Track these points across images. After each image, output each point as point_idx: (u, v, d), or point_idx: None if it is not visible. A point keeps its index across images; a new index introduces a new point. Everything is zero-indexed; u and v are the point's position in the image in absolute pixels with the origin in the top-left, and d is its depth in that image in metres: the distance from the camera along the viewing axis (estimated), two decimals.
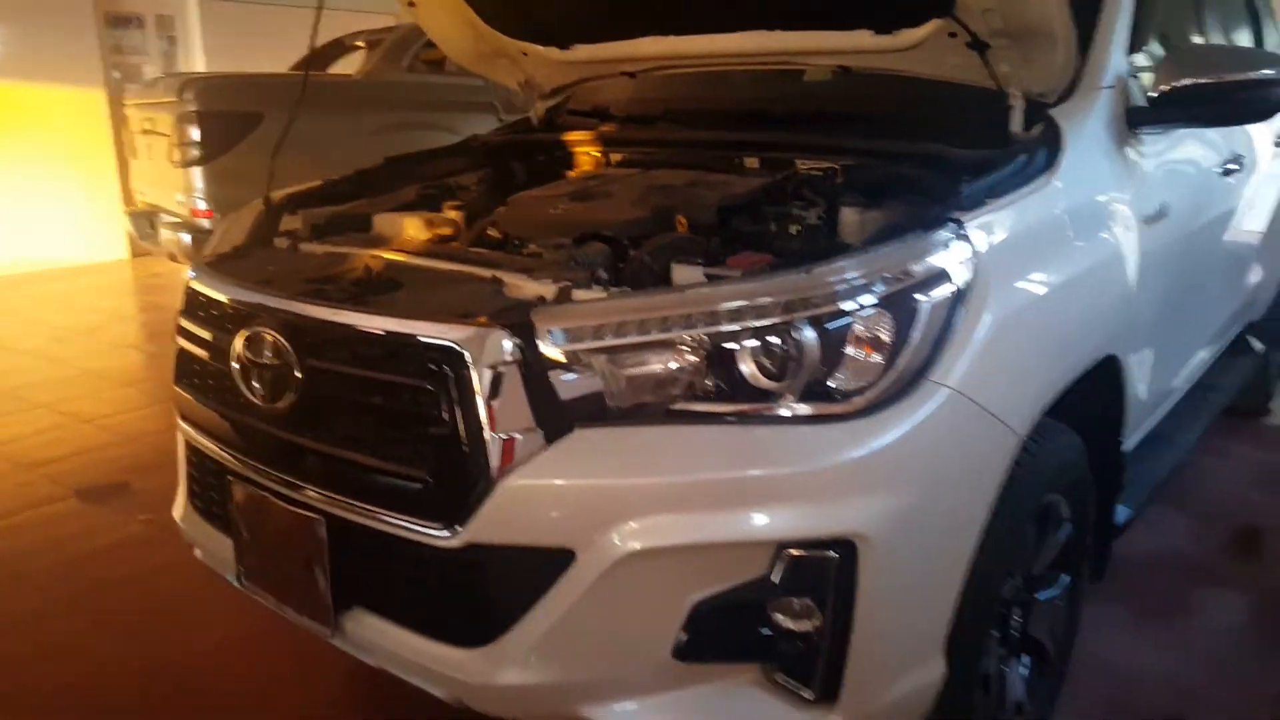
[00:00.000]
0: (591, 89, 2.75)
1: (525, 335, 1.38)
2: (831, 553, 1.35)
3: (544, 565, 1.38)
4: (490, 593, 1.45)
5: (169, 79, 5.56)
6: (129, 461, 3.73)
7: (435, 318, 1.44)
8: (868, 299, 1.40)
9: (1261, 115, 2.05)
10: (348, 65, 6.35)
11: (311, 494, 1.58)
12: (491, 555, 1.42)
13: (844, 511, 1.35)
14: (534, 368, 1.37)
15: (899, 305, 1.41)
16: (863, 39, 1.94)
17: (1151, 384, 2.32)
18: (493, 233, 2.04)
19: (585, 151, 2.57)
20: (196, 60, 8.71)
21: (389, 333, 1.46)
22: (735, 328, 1.38)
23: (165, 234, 5.27)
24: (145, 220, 5.74)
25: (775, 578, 1.36)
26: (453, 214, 2.09)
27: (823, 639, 1.39)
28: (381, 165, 2.50)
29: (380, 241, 2.00)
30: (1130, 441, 2.45)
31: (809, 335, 1.37)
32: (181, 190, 5.15)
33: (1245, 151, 2.81)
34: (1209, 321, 2.88)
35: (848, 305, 1.39)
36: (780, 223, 1.86)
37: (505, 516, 1.38)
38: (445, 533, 1.42)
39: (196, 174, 5.04)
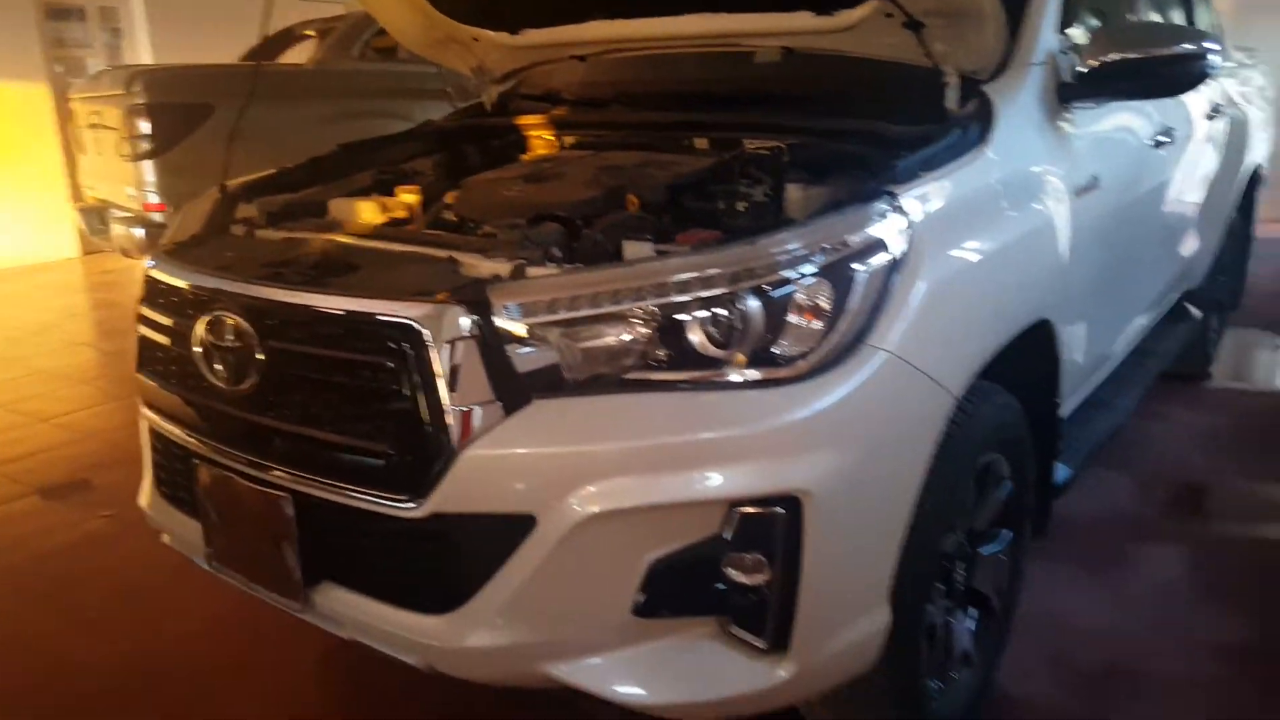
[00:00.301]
0: (543, 73, 2.79)
1: (482, 311, 1.43)
2: (779, 509, 1.42)
3: (507, 531, 1.44)
4: (456, 560, 1.50)
5: (116, 71, 5.49)
6: (89, 459, 3.72)
7: (393, 296, 1.49)
8: (808, 269, 1.47)
9: (1184, 88, 2.15)
10: (298, 55, 6.31)
11: (277, 473, 1.63)
12: (456, 524, 1.47)
13: (789, 470, 1.42)
14: (491, 342, 1.43)
15: (838, 274, 1.49)
16: (804, 20, 2.00)
17: (1086, 349, 2.43)
18: (448, 215, 2.08)
19: (538, 135, 2.61)
20: (142, 52, 8.58)
21: (348, 312, 1.51)
22: (684, 299, 1.44)
23: (117, 229, 5.22)
24: (96, 216, 5.68)
25: (727, 535, 1.43)
26: (408, 198, 2.13)
27: (773, 591, 1.46)
28: (335, 152, 2.52)
29: (336, 226, 2.03)
30: (1070, 404, 2.56)
31: (753, 304, 1.44)
32: (132, 184, 5.10)
33: (1177, 124, 2.92)
34: (1145, 289, 3.00)
35: (789, 275, 1.46)
36: (728, 200, 1.93)
37: (467, 486, 1.44)
38: (410, 504, 1.47)
39: (147, 167, 4.99)
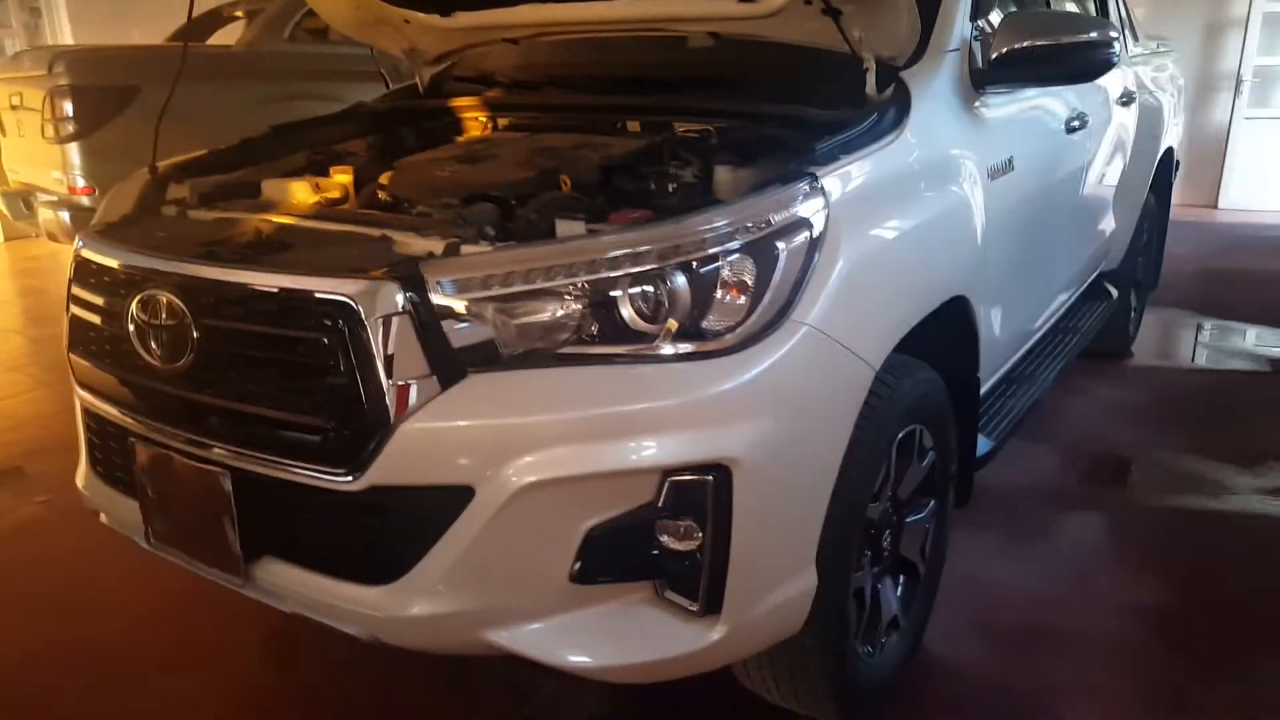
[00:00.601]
0: (477, 55, 2.81)
1: (416, 287, 1.46)
2: (709, 477, 1.48)
3: (445, 502, 1.48)
4: (395, 531, 1.54)
5: (37, 52, 5.34)
6: (21, 447, 3.66)
7: (328, 273, 1.51)
8: (733, 246, 1.53)
9: (1090, 75, 2.25)
10: (227, 36, 6.18)
11: (215, 449, 1.64)
12: (394, 496, 1.51)
13: (718, 439, 1.48)
14: (426, 317, 1.46)
15: (762, 251, 1.55)
16: (728, 6, 2.05)
17: (1005, 325, 2.54)
18: (382, 195, 2.10)
19: (472, 117, 2.63)
20: (63, 33, 8.32)
21: (284, 289, 1.53)
22: (615, 275, 1.49)
23: (44, 213, 5.08)
24: (19, 200, 5.52)
25: (660, 502, 1.49)
26: (341, 178, 2.14)
27: (704, 556, 1.52)
28: (268, 133, 2.52)
29: (269, 206, 2.04)
30: (991, 379, 2.68)
31: (681, 280, 1.50)
32: (58, 168, 4.97)
33: (1091, 109, 3.05)
34: (1062, 268, 3.13)
35: (715, 252, 1.52)
36: (658, 181, 1.98)
37: (405, 459, 1.47)
38: (348, 478, 1.50)
39: (73, 150, 4.87)
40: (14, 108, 5.33)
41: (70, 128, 4.83)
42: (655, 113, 2.30)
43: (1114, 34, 2.23)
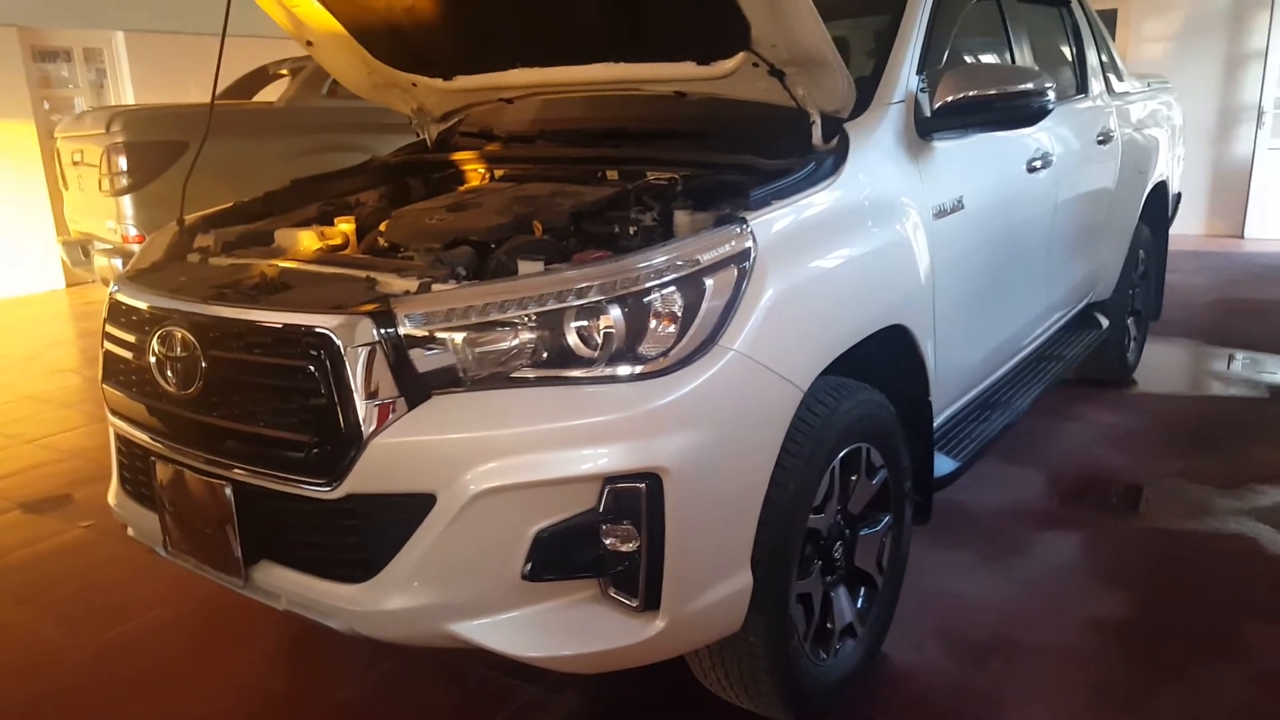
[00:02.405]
0: (480, 112, 3.08)
1: (387, 321, 1.70)
2: (643, 484, 1.68)
3: (411, 508, 1.70)
4: (369, 534, 1.76)
5: (97, 112, 5.78)
6: (71, 476, 3.97)
7: (313, 310, 1.75)
8: (663, 282, 1.74)
9: (1027, 121, 2.45)
10: (274, 92, 6.61)
11: (220, 464, 1.89)
12: (368, 503, 1.73)
13: (650, 449, 1.68)
14: (395, 346, 1.70)
15: (690, 286, 1.76)
16: (689, 69, 2.29)
17: (962, 352, 2.70)
18: (381, 241, 2.36)
19: (472, 169, 2.90)
20: (126, 91, 8.88)
21: (276, 324, 1.78)
22: (561, 307, 1.72)
23: (99, 261, 5.49)
24: (79, 249, 5.95)
25: (601, 507, 1.69)
26: (344, 227, 2.40)
27: (642, 556, 1.72)
28: (288, 186, 2.80)
29: (280, 253, 2.31)
30: (955, 403, 2.84)
31: (619, 312, 1.71)
32: (113, 218, 5.38)
33: (1057, 149, 3.23)
34: (1033, 299, 3.28)
35: (648, 287, 1.73)
36: (621, 225, 2.20)
37: (376, 470, 1.70)
38: (328, 487, 1.73)
39: (126, 202, 5.27)
40: (75, 164, 5.78)
41: (124, 181, 5.24)
42: (631, 163, 2.53)
43: (1048, 85, 2.42)
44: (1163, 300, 5.08)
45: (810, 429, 1.96)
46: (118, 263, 5.31)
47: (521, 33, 2.51)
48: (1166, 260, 5.03)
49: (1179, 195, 5.05)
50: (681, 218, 2.13)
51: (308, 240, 2.34)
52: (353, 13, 2.64)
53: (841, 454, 2.12)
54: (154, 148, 5.23)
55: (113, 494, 2.31)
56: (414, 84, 2.88)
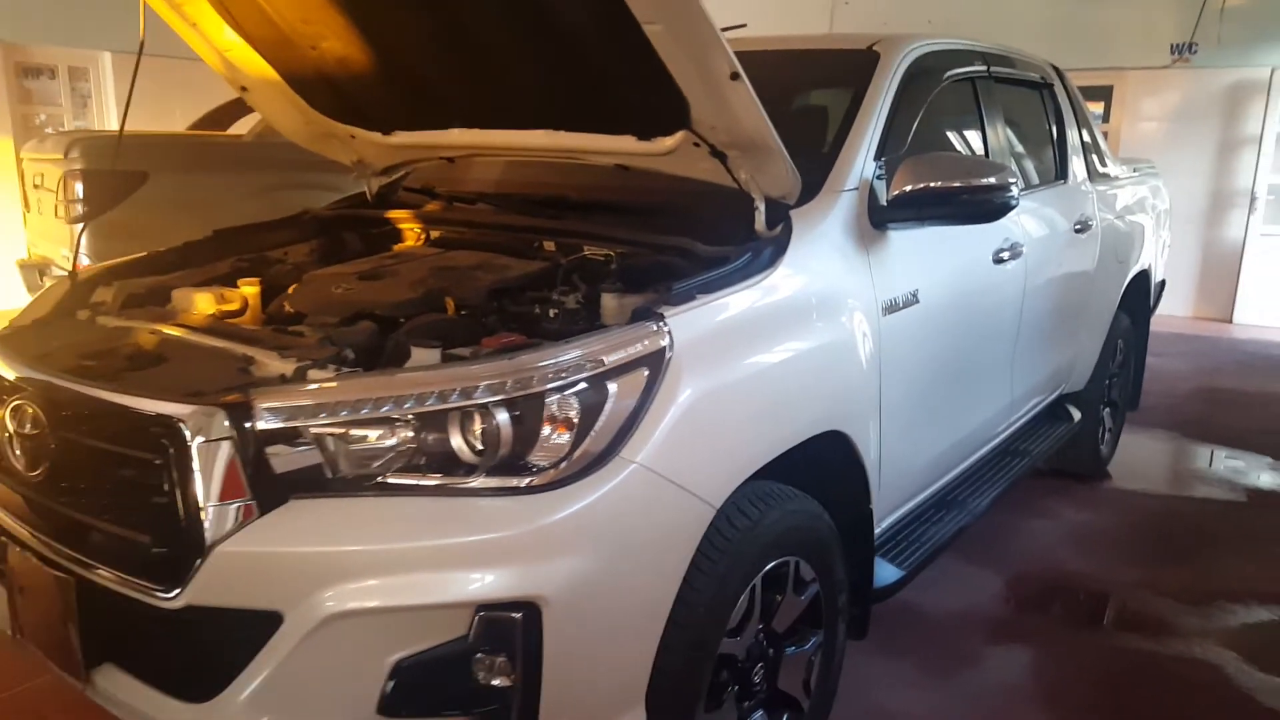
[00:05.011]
0: (426, 169, 2.92)
1: (242, 414, 1.52)
2: (518, 614, 1.49)
3: (256, 626, 1.51)
4: (211, 651, 1.57)
5: (58, 136, 5.63)
6: None
7: (164, 395, 1.58)
8: (561, 384, 1.56)
9: (988, 217, 2.29)
10: (250, 123, 6.47)
11: (62, 555, 1.70)
12: (210, 616, 1.54)
13: (530, 576, 1.50)
14: (250, 443, 1.51)
15: (592, 391, 1.59)
16: (629, 143, 2.13)
17: (912, 454, 2.53)
18: (288, 307, 2.18)
19: (409, 227, 2.73)
20: (109, 112, 8.77)
21: (123, 407, 1.60)
22: (443, 408, 1.54)
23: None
24: (35, 272, 5.77)
25: (472, 636, 1.50)
26: (246, 290, 2.22)
27: (516, 695, 1.53)
28: (209, 237, 2.63)
29: (172, 315, 2.13)
30: (902, 508, 2.66)
31: (505, 417, 1.54)
32: (67, 245, 5.20)
33: (1028, 239, 3.07)
34: (996, 395, 3.11)
35: (542, 390, 1.55)
36: (542, 306, 2.03)
37: (220, 581, 1.51)
38: (168, 595, 1.54)
39: (81, 230, 5.09)
40: (36, 186, 5.62)
41: (79, 209, 5.07)
42: (569, 235, 2.37)
43: (1012, 179, 2.27)
44: (1141, 390, 4.92)
45: (728, 544, 1.78)
46: None
47: (461, 93, 2.36)
48: (1147, 349, 4.87)
49: (1163, 283, 4.91)
50: (609, 301, 1.97)
51: (204, 303, 2.16)
52: (288, 61, 2.49)
53: (767, 568, 1.94)
54: (112, 177, 5.06)
55: None
56: (352, 136, 2.73)
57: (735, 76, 1.77)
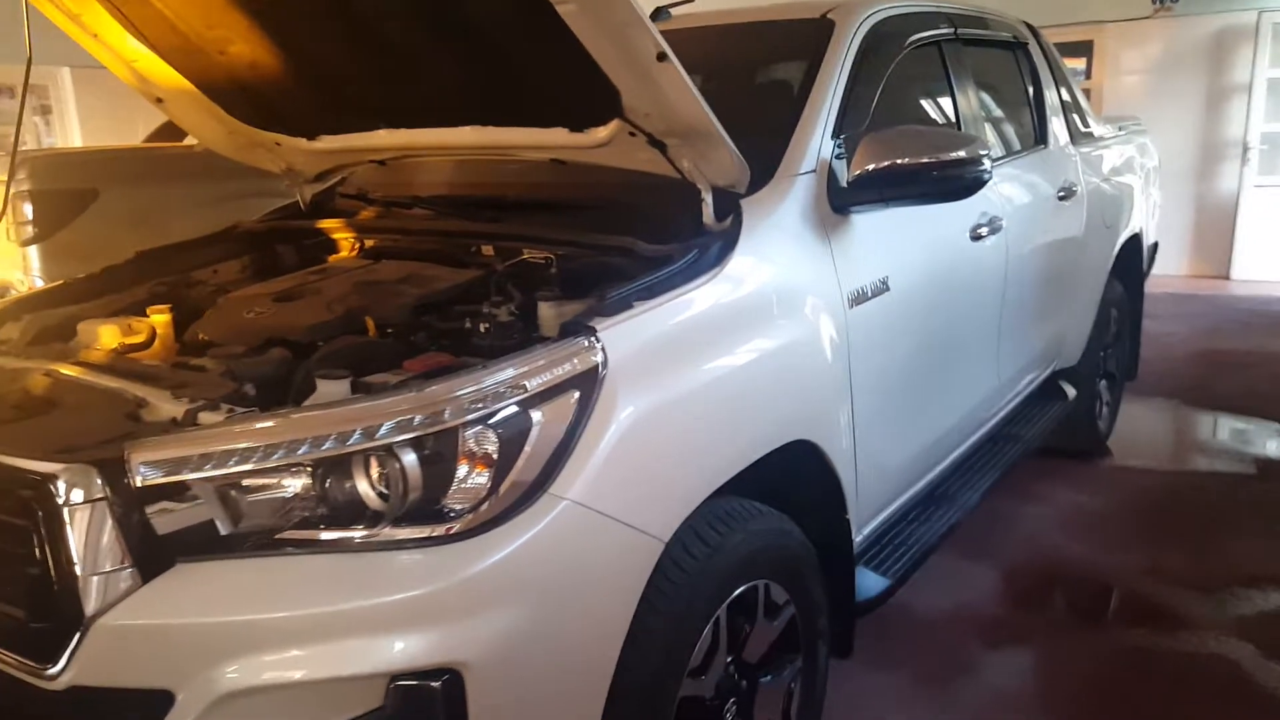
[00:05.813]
0: (361, 173, 2.74)
1: (117, 471, 1.35)
2: (436, 683, 1.32)
3: (146, 708, 1.33)
4: None
5: (4, 157, 5.44)
6: None
7: (34, 452, 1.40)
8: (475, 417, 1.39)
9: (957, 195, 2.10)
10: None
11: None
12: (98, 697, 1.36)
13: (448, 639, 1.33)
14: (126, 503, 1.34)
15: (512, 421, 1.41)
16: (561, 136, 1.95)
17: (891, 455, 2.35)
18: (201, 335, 2.01)
19: (342, 237, 2.55)
20: (72, 130, 8.57)
21: None
22: (344, 451, 1.36)
23: None
24: None
25: (389, 710, 1.33)
26: (156, 319, 2.04)
27: None
28: (130, 260, 2.45)
29: (73, 352, 1.95)
30: (884, 512, 2.48)
31: (412, 458, 1.36)
32: (19, 268, 5.02)
33: (1007, 212, 2.89)
34: (977, 380, 2.92)
35: (454, 425, 1.38)
36: (474, 320, 1.86)
37: (101, 658, 1.34)
38: (49, 674, 1.37)
39: (33, 252, 4.91)
40: None
41: (29, 231, 4.88)
42: (508, 238, 2.19)
43: (983, 152, 2.08)
44: (1139, 358, 4.73)
45: (684, 576, 1.61)
46: None
47: (381, 92, 2.18)
48: (1142, 315, 4.67)
49: (1155, 245, 4.72)
50: (546, 310, 1.80)
51: (108, 337, 1.98)
52: (198, 69, 2.31)
53: (732, 596, 1.77)
54: (62, 196, 4.87)
55: None
56: (277, 143, 2.54)
57: (663, 57, 1.59)
